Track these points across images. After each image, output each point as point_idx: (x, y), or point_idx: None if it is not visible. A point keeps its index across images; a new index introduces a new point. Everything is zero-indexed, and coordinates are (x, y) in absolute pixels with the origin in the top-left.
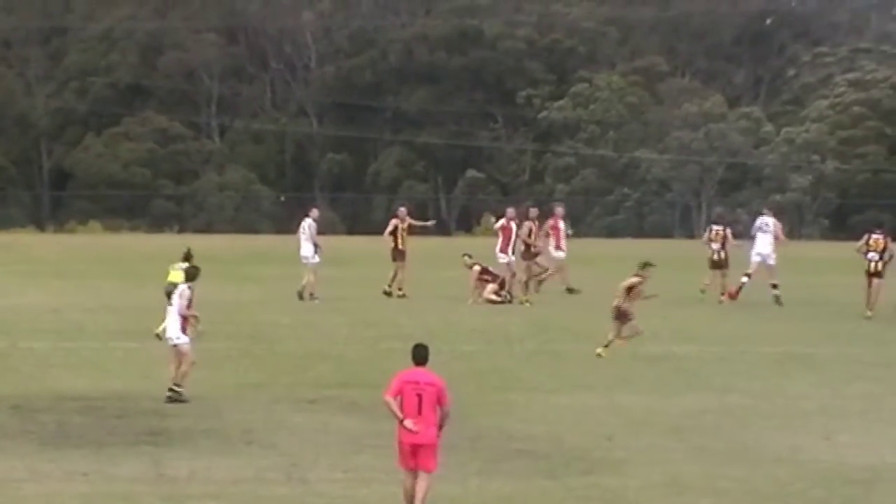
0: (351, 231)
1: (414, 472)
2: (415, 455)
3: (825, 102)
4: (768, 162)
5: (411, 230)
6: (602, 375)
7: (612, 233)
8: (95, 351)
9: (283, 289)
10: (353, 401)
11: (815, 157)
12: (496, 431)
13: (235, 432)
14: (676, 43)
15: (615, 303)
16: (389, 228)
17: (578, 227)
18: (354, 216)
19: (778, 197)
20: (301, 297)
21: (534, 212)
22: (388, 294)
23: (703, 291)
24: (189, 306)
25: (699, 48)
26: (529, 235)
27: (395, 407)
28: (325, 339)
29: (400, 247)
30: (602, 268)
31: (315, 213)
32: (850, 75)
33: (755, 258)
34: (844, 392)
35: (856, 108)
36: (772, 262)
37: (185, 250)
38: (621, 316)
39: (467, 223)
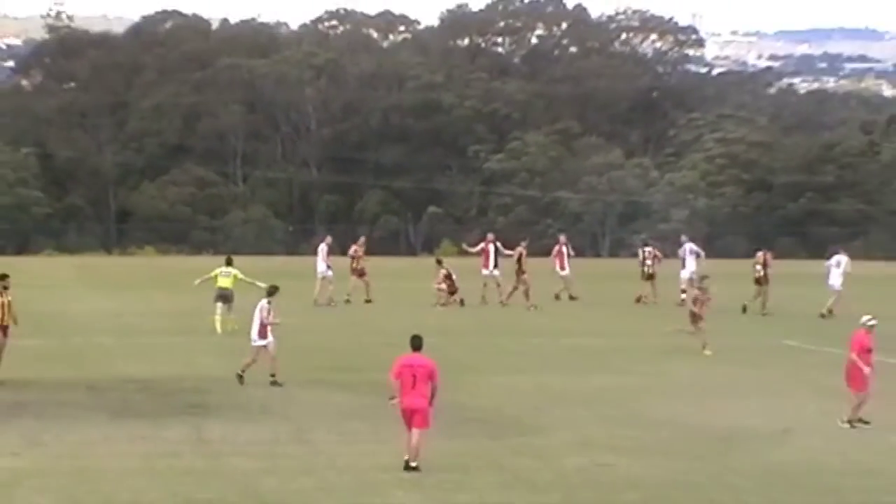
0: (343, 254)
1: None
2: (412, 417)
3: (697, 155)
4: (655, 200)
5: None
6: (531, 362)
7: (538, 254)
8: (149, 345)
9: (292, 297)
10: (344, 382)
11: (690, 196)
12: (452, 405)
13: (256, 406)
14: (586, 110)
15: (691, 309)
16: (350, 252)
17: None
18: (345, 243)
19: (662, 226)
20: (317, 303)
21: (524, 243)
22: (348, 302)
23: (638, 300)
24: (269, 316)
25: (603, 114)
26: (520, 259)
27: (394, 387)
28: (322, 335)
29: (355, 266)
30: (534, 281)
31: (329, 239)
32: (716, 135)
33: (688, 275)
34: (712, 372)
35: (719, 160)
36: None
37: (227, 257)
38: (695, 319)
39: (430, 247)
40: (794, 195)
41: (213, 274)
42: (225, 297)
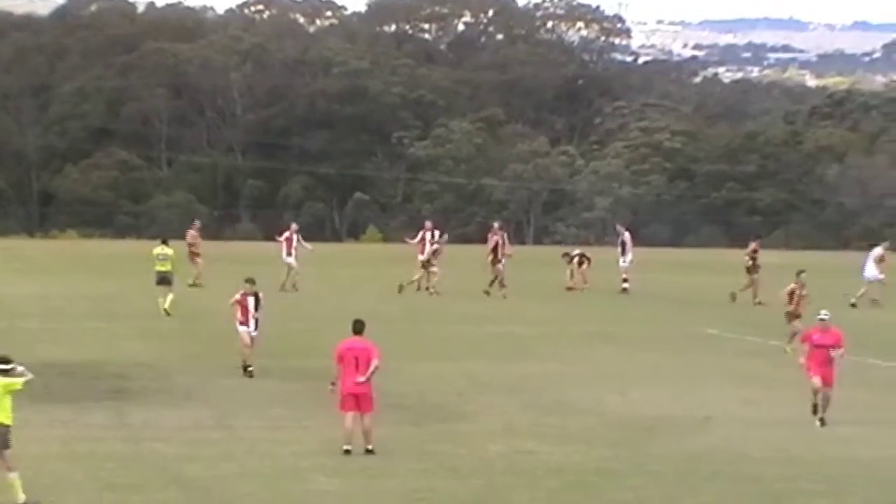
0: (267, 239)
1: (353, 414)
2: (357, 401)
3: (622, 143)
4: (580, 188)
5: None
6: (456, 348)
7: (464, 241)
8: (72, 329)
9: (217, 281)
10: (267, 367)
11: (615, 184)
12: (375, 391)
13: (179, 391)
14: (512, 98)
15: (785, 309)
16: (188, 238)
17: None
18: (270, 228)
19: (587, 214)
20: (284, 288)
21: (497, 225)
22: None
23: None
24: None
25: (528, 102)
26: (495, 247)
27: (336, 371)
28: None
29: (194, 251)
30: (457, 268)
31: (294, 226)
32: (641, 123)
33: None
34: (635, 360)
35: (643, 148)
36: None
37: (161, 239)
38: (791, 317)
39: (355, 233)
40: (717, 184)
41: (154, 253)
42: (165, 279)
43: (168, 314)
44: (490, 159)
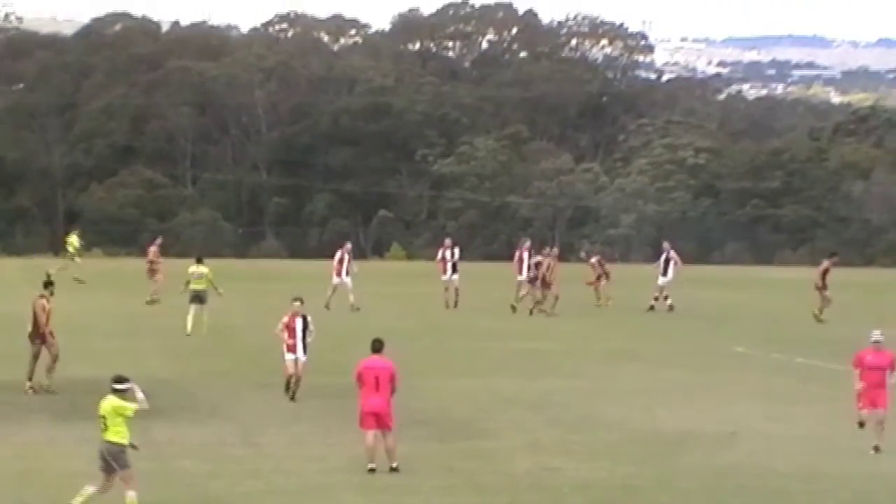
0: (292, 256)
1: (374, 432)
2: (377, 419)
3: (646, 160)
4: (604, 205)
5: None
6: (480, 364)
7: (488, 258)
8: (97, 347)
9: (241, 298)
10: None
11: (639, 201)
12: (399, 407)
13: (204, 408)
14: (536, 115)
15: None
16: (150, 255)
17: (464, 254)
18: (294, 245)
19: (612, 231)
20: (328, 307)
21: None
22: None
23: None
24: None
25: (553, 119)
26: (538, 266)
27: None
28: (270, 337)
29: (153, 267)
30: (481, 285)
31: (348, 246)
32: (665, 140)
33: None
34: (661, 377)
35: (668, 165)
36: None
37: (196, 258)
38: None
39: (379, 250)
40: (742, 201)
41: (189, 271)
42: (200, 297)
43: (189, 335)
44: (514, 176)
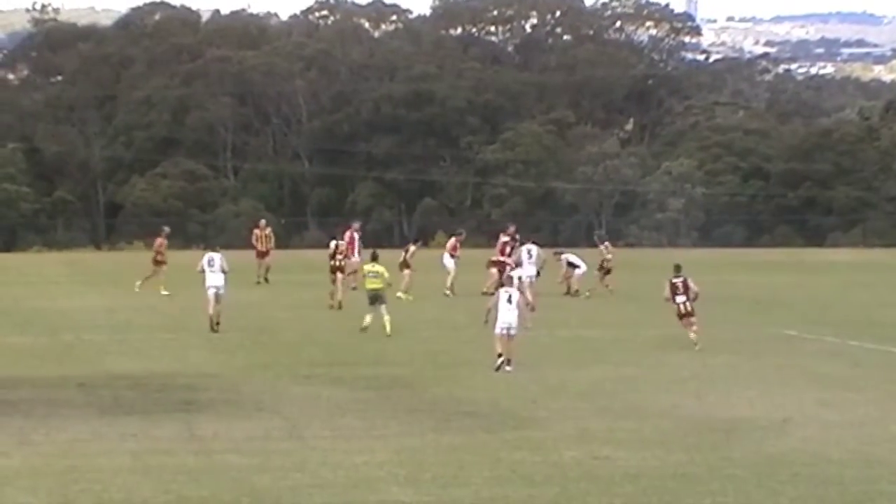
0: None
1: None
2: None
3: (694, 143)
4: (652, 189)
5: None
6: (527, 353)
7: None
8: (141, 341)
9: (284, 291)
10: (338, 376)
11: (687, 185)
12: (447, 398)
13: (248, 401)
14: (581, 99)
15: None
16: (156, 245)
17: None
18: (337, 235)
19: (659, 216)
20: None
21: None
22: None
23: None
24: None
25: (598, 103)
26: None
27: None
28: (314, 329)
29: (158, 258)
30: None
31: (463, 235)
32: (712, 122)
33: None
34: (711, 363)
35: (715, 148)
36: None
37: (372, 252)
38: None
39: (425, 239)
40: (792, 183)
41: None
42: (378, 297)
43: (365, 329)
44: (559, 162)
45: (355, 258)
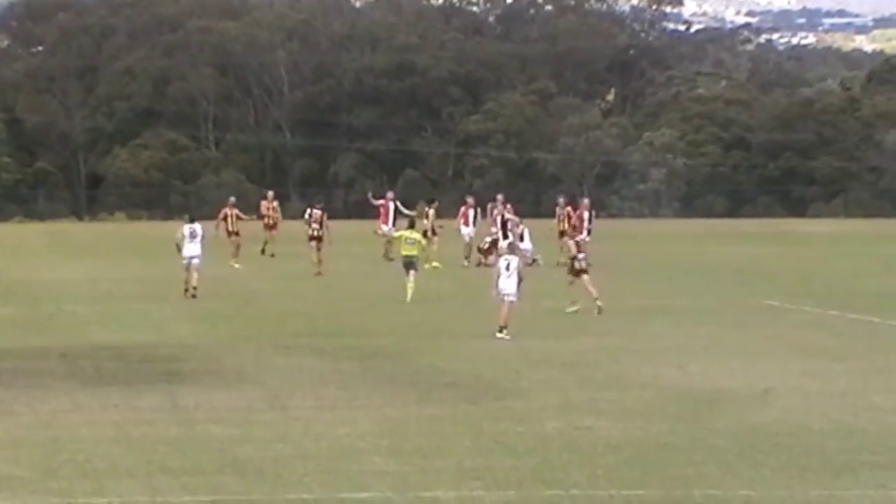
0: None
1: None
2: None
3: (675, 114)
4: (634, 160)
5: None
6: (511, 325)
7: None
8: (123, 312)
9: (267, 262)
10: (320, 347)
11: (669, 156)
12: (429, 368)
13: (231, 372)
14: (563, 70)
15: None
16: (220, 215)
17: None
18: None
19: (641, 186)
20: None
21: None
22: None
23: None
24: None
25: (580, 74)
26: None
27: None
28: (297, 300)
29: (230, 228)
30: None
31: (471, 200)
32: (694, 93)
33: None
34: (692, 333)
35: (697, 119)
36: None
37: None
38: None
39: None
40: (774, 154)
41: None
42: (412, 264)
43: (409, 302)
44: (541, 133)
45: (388, 227)
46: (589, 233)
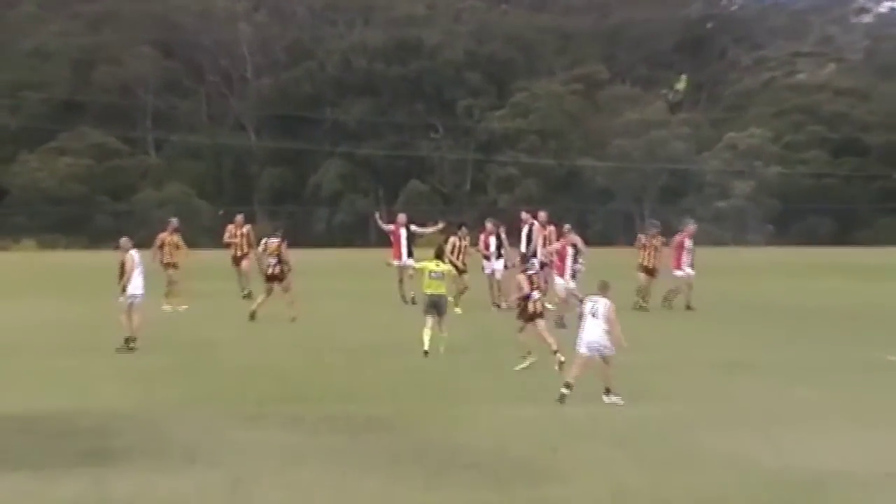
0: (291, 244)
1: None
2: None
3: (767, 108)
4: (710, 168)
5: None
6: (546, 385)
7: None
8: (33, 369)
9: (224, 303)
10: (295, 415)
11: (758, 163)
12: (441, 444)
13: (178, 450)
14: (616, 50)
15: None
16: (157, 242)
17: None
18: (294, 229)
19: (720, 203)
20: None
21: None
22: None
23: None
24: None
25: (639, 55)
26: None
27: None
28: (267, 352)
29: (164, 259)
30: None
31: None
32: (792, 80)
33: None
34: (788, 397)
35: (796, 114)
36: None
37: (438, 246)
38: None
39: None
40: None
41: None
42: (437, 306)
43: (427, 353)
44: (588, 133)
45: (404, 259)
46: (574, 275)
